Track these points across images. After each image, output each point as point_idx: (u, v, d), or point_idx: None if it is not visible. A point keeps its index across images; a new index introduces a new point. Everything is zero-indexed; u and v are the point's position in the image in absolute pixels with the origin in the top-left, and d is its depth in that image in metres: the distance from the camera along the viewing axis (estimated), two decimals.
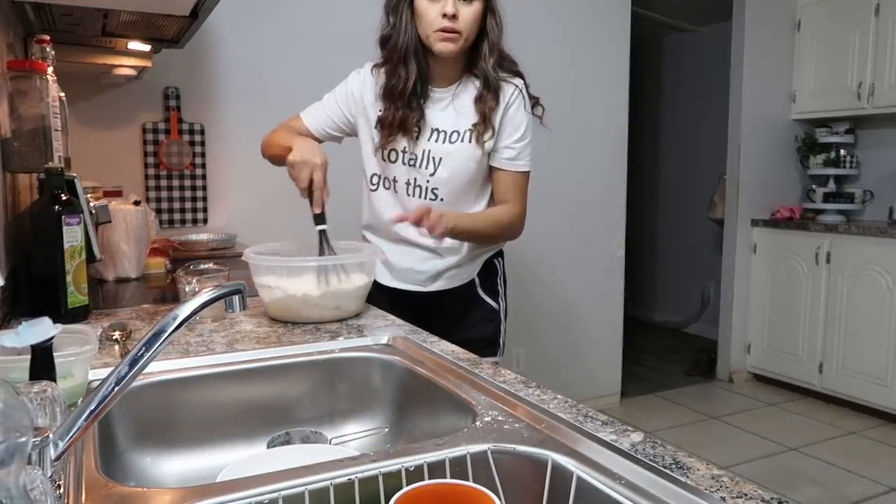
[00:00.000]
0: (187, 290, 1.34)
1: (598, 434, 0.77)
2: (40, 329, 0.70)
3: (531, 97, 1.53)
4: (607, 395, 3.63)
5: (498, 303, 1.64)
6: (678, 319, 5.24)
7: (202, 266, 1.40)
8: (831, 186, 4.03)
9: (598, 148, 3.47)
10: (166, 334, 0.64)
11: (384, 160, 1.53)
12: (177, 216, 2.58)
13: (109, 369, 0.64)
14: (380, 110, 1.50)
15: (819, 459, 3.01)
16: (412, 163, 1.50)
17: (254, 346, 1.15)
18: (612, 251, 3.58)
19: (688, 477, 0.66)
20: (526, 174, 1.53)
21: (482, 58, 1.45)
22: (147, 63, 2.19)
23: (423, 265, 1.56)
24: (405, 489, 0.58)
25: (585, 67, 3.39)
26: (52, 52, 1.51)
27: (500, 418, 0.84)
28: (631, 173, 3.63)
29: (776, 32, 3.97)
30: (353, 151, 1.63)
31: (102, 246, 1.66)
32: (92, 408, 0.60)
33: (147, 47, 2.06)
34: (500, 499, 0.58)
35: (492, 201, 1.56)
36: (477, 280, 1.61)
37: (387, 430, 1.10)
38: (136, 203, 1.84)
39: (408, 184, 1.52)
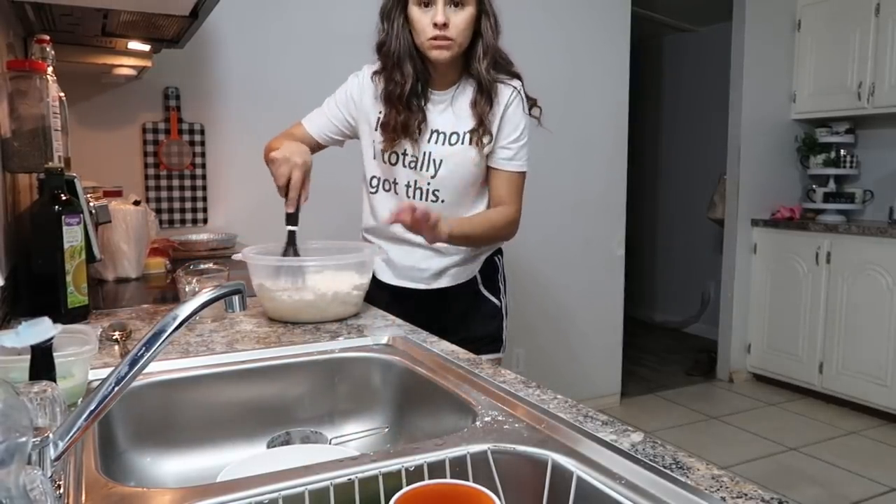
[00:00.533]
0: (187, 290, 1.34)
1: (598, 434, 0.77)
2: (40, 329, 0.70)
3: (529, 98, 1.54)
4: (607, 395, 3.63)
5: (500, 300, 1.66)
6: (678, 319, 5.24)
7: (202, 266, 1.40)
8: (831, 186, 4.03)
9: (598, 148, 3.47)
10: (166, 334, 0.64)
11: (385, 163, 1.53)
12: (177, 216, 2.58)
13: (109, 369, 0.64)
14: (381, 113, 1.50)
15: (819, 459, 3.01)
16: (413, 165, 1.51)
17: (254, 346, 1.15)
18: (612, 251, 3.58)
19: (688, 477, 0.66)
20: (522, 174, 1.54)
21: (477, 59, 1.45)
22: (147, 63, 2.20)
23: (426, 263, 1.57)
24: (405, 489, 0.58)
25: (585, 67, 3.39)
26: (52, 52, 1.51)
27: (500, 418, 0.84)
28: (631, 173, 3.63)
29: (776, 32, 3.97)
30: (353, 154, 1.63)
31: (102, 246, 1.66)
32: (92, 408, 0.60)
33: (147, 47, 2.06)
34: (500, 499, 0.58)
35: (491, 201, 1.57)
36: (479, 278, 1.63)
37: (387, 430, 1.10)
38: (136, 203, 1.84)
39: (408, 186, 1.53)
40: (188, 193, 2.60)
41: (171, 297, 1.55)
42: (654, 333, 5.17)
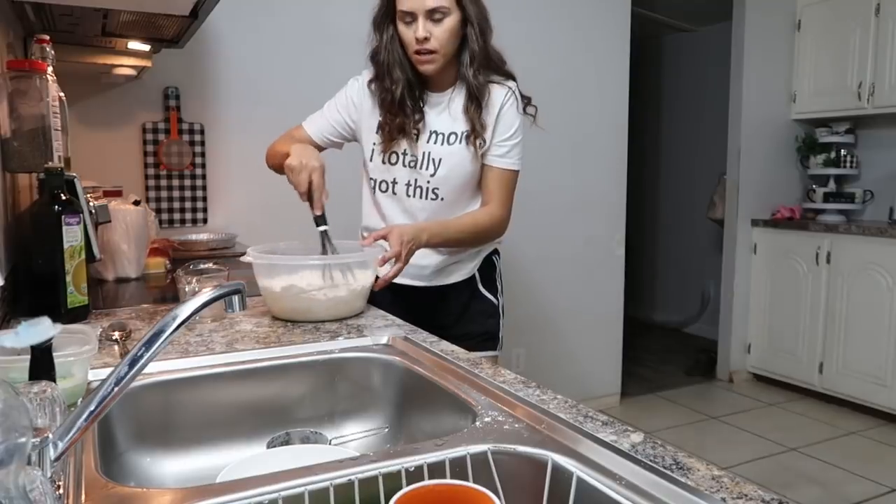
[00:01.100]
0: (187, 290, 1.34)
1: (598, 434, 0.77)
2: (40, 329, 0.70)
3: (523, 97, 1.56)
4: (607, 395, 3.63)
5: (497, 298, 1.68)
6: (678, 319, 5.24)
7: (202, 266, 1.40)
8: (831, 186, 4.03)
9: (598, 147, 3.47)
10: (166, 334, 0.63)
11: (385, 163, 1.55)
12: (177, 216, 2.58)
13: (109, 369, 0.64)
14: (379, 116, 1.54)
15: (819, 459, 3.01)
16: (413, 164, 1.54)
17: (254, 346, 1.15)
18: (612, 251, 3.58)
19: (688, 477, 0.66)
20: (514, 173, 1.56)
21: (465, 66, 1.48)
22: (147, 63, 2.20)
23: (425, 260, 1.57)
24: (405, 489, 0.58)
25: (585, 67, 3.39)
26: (52, 52, 1.51)
27: (499, 418, 0.84)
28: (631, 173, 3.63)
29: (776, 32, 3.97)
30: (353, 154, 1.64)
31: (102, 246, 1.66)
32: (92, 408, 0.60)
33: (147, 47, 2.06)
34: (500, 499, 0.58)
35: None
36: (477, 276, 1.64)
37: (387, 430, 1.10)
38: (136, 203, 1.84)
39: (408, 185, 1.55)
40: (188, 193, 2.60)
41: (171, 297, 1.55)
42: (654, 333, 5.17)
